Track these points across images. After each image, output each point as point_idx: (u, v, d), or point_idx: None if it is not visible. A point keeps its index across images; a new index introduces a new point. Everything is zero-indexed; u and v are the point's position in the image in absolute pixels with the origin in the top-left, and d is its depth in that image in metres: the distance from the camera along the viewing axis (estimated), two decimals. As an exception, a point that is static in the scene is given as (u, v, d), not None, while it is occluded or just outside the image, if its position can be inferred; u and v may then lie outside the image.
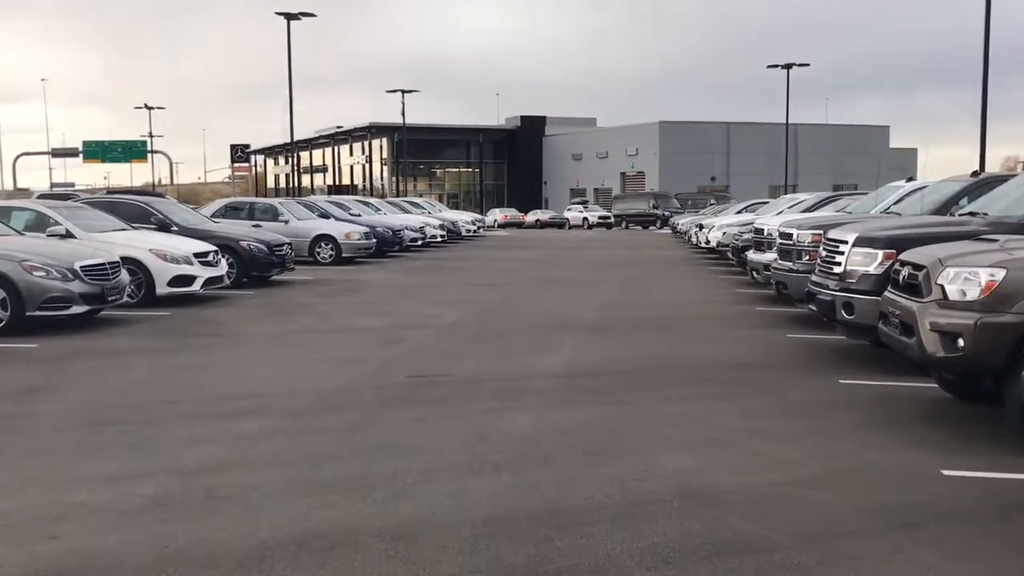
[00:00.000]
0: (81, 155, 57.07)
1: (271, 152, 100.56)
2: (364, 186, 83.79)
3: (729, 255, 19.37)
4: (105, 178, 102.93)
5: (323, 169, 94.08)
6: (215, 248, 14.69)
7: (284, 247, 17.38)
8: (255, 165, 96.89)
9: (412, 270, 21.44)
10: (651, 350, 9.96)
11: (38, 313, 10.58)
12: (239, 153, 77.82)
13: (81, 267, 11.08)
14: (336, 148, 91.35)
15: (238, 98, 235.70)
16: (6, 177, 56.21)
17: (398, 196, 61.68)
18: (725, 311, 13.57)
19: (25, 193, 45.58)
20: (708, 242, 23.81)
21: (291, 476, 5.25)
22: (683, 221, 37.86)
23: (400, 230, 26.76)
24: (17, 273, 10.50)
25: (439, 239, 31.83)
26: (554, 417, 6.78)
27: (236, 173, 78.34)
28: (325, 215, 24.76)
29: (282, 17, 37.96)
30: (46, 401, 7.22)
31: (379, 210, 30.96)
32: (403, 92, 61.99)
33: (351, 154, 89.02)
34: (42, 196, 39.81)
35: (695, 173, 70.64)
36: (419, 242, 29.01)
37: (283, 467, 5.43)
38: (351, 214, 26.89)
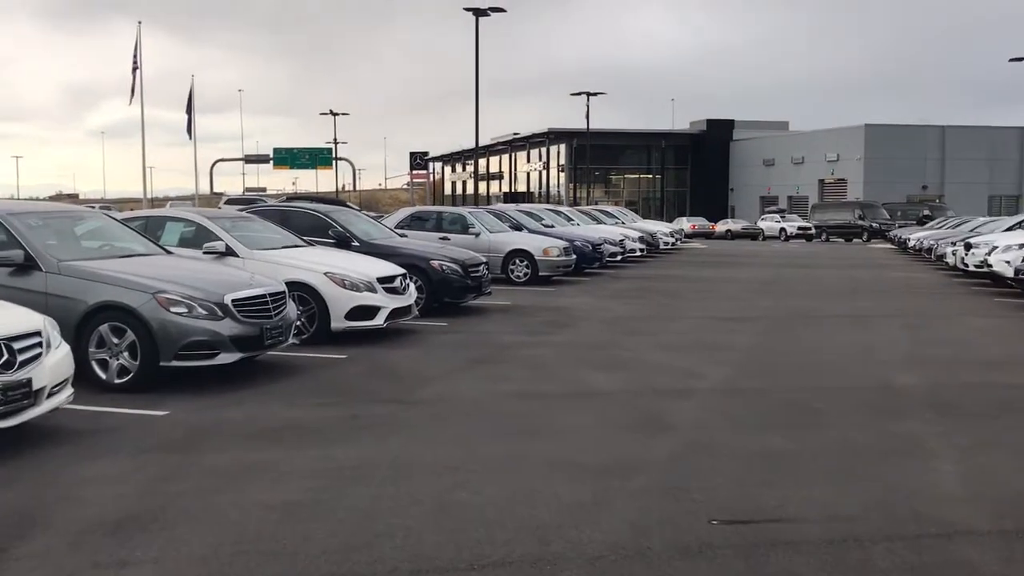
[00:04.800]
0: (272, 161, 57.59)
1: (448, 159, 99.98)
2: (539, 193, 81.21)
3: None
4: (293, 183, 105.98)
5: (499, 176, 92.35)
6: (403, 271, 11.82)
7: (480, 267, 14.37)
8: (432, 172, 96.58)
9: (623, 294, 17.94)
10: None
11: (174, 364, 7.88)
12: (418, 160, 77.35)
13: (233, 301, 8.31)
14: (512, 155, 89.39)
15: (416, 108, 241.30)
16: (203, 181, 57.35)
17: (575, 203, 58.48)
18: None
19: (218, 197, 46.06)
20: (987, 265, 19.10)
21: None
22: (918, 235, 32.60)
23: (600, 244, 23.39)
24: (150, 310, 7.82)
25: (638, 253, 28.27)
26: None
27: (414, 180, 77.97)
28: (517, 226, 21.73)
29: (471, 13, 35.97)
30: (137, 561, 4.28)
31: (571, 220, 27.78)
32: (588, 95, 58.91)
33: (528, 160, 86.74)
34: (230, 200, 39.67)
35: (903, 180, 63.85)
36: (618, 257, 25.57)
37: None
38: (544, 224, 23.84)
